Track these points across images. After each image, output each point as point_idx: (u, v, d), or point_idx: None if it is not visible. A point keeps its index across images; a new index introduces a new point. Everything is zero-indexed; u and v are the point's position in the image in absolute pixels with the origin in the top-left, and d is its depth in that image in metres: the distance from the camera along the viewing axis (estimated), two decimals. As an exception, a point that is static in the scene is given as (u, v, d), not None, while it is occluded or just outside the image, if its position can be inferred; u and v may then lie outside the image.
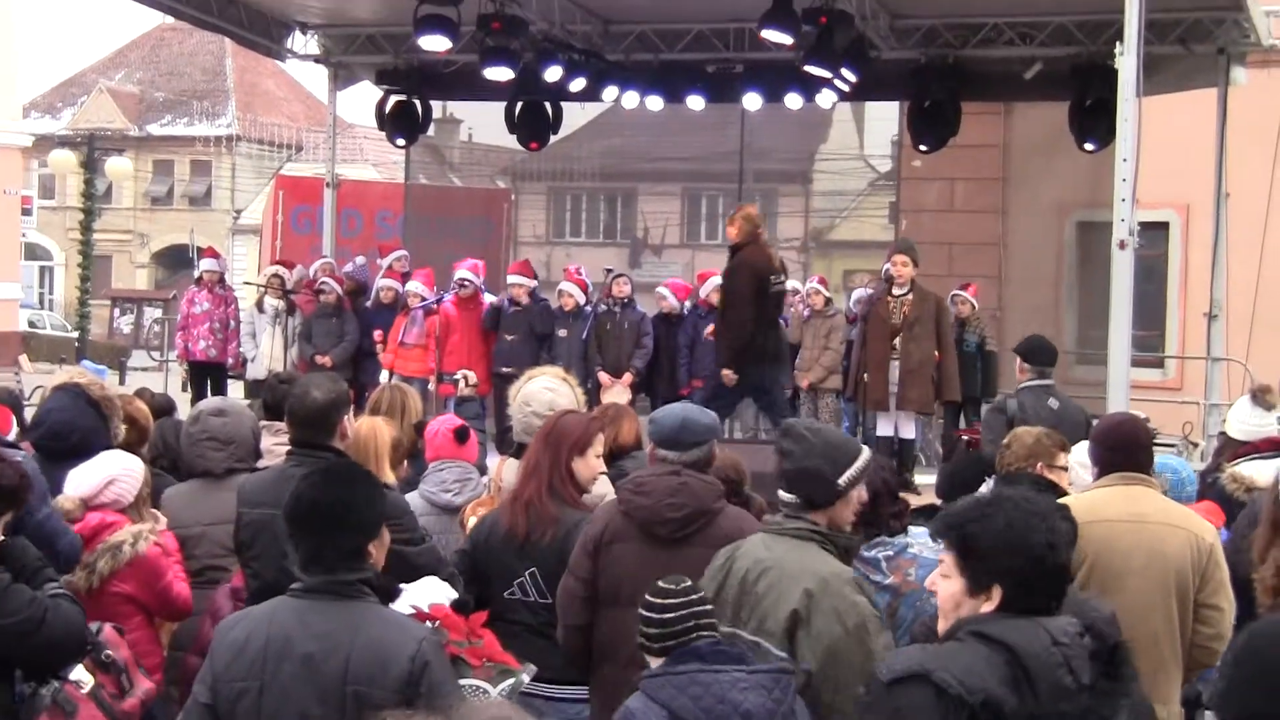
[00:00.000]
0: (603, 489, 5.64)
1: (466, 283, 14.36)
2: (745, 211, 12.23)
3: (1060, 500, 5.53)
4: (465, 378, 8.11)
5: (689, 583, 4.37)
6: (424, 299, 14.43)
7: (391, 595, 4.28)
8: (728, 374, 11.86)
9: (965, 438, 12.17)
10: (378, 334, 14.76)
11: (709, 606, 4.33)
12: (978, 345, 14.05)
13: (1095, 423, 6.62)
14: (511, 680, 4.39)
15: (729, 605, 4.52)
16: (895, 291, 12.12)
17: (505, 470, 6.08)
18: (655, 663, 4.24)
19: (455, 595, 4.67)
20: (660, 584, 4.37)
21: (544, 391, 6.07)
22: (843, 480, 4.57)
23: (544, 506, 5.29)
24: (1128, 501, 5.60)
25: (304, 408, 5.49)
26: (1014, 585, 3.34)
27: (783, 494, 4.64)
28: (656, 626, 4.27)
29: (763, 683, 4.08)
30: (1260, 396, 9.03)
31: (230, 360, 15.32)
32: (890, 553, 5.33)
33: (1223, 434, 8.99)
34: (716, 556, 4.70)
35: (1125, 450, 5.82)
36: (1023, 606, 3.31)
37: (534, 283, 14.48)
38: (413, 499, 6.34)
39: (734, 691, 4.03)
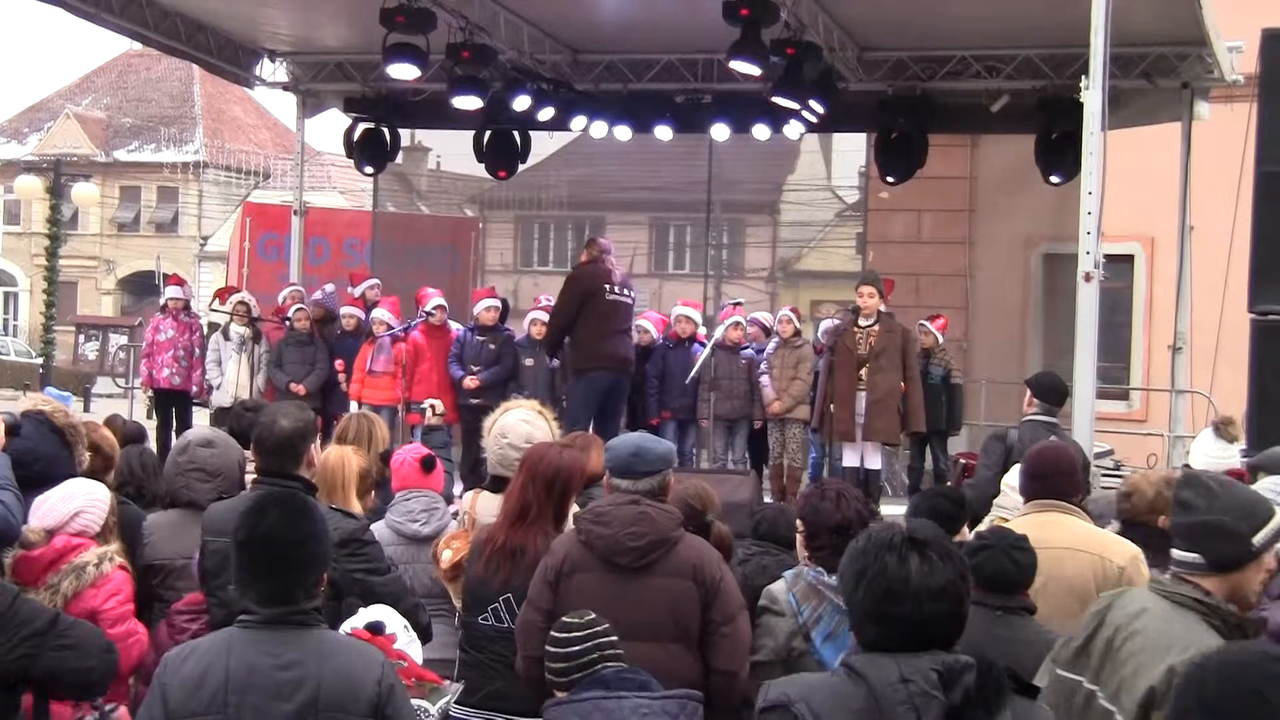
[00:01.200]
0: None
1: (440, 310, 14.38)
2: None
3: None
4: (432, 407, 8.09)
5: (592, 615, 4.44)
6: (390, 327, 14.41)
7: (343, 618, 4.30)
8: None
9: (964, 461, 12.21)
10: (338, 363, 14.73)
11: (613, 637, 4.39)
12: (943, 378, 14.08)
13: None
14: (445, 698, 4.45)
15: (1094, 658, 4.22)
16: (862, 323, 12.18)
17: (480, 503, 6.05)
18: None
19: (392, 627, 4.67)
20: (564, 619, 4.45)
21: (520, 424, 6.06)
22: (1258, 539, 4.05)
23: (531, 556, 5.26)
24: (1037, 528, 5.66)
25: (271, 436, 5.46)
26: (873, 624, 3.34)
27: (1179, 553, 4.13)
28: (561, 660, 4.35)
29: (667, 709, 4.14)
30: (1223, 429, 9.10)
31: (195, 388, 15.25)
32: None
33: (1187, 466, 9.04)
34: (1097, 600, 4.37)
35: (1045, 478, 5.99)
36: (884, 644, 3.32)
37: (499, 302, 14.55)
38: (379, 529, 6.32)
39: (635, 717, 4.11)
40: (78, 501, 5.86)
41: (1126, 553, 5.81)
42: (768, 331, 14.62)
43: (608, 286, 12.56)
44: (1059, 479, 5.98)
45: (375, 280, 15.99)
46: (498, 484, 6.00)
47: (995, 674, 3.17)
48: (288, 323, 14.97)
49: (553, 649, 4.37)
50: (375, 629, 4.57)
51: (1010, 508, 6.25)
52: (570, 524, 5.42)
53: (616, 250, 13.93)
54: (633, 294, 13.01)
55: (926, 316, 14.61)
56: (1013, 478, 6.43)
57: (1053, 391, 9.57)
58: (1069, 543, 5.75)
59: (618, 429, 12.40)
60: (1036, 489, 5.99)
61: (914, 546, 3.31)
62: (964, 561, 3.38)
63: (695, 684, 4.89)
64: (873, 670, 3.26)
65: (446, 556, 5.85)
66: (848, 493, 5.51)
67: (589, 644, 4.34)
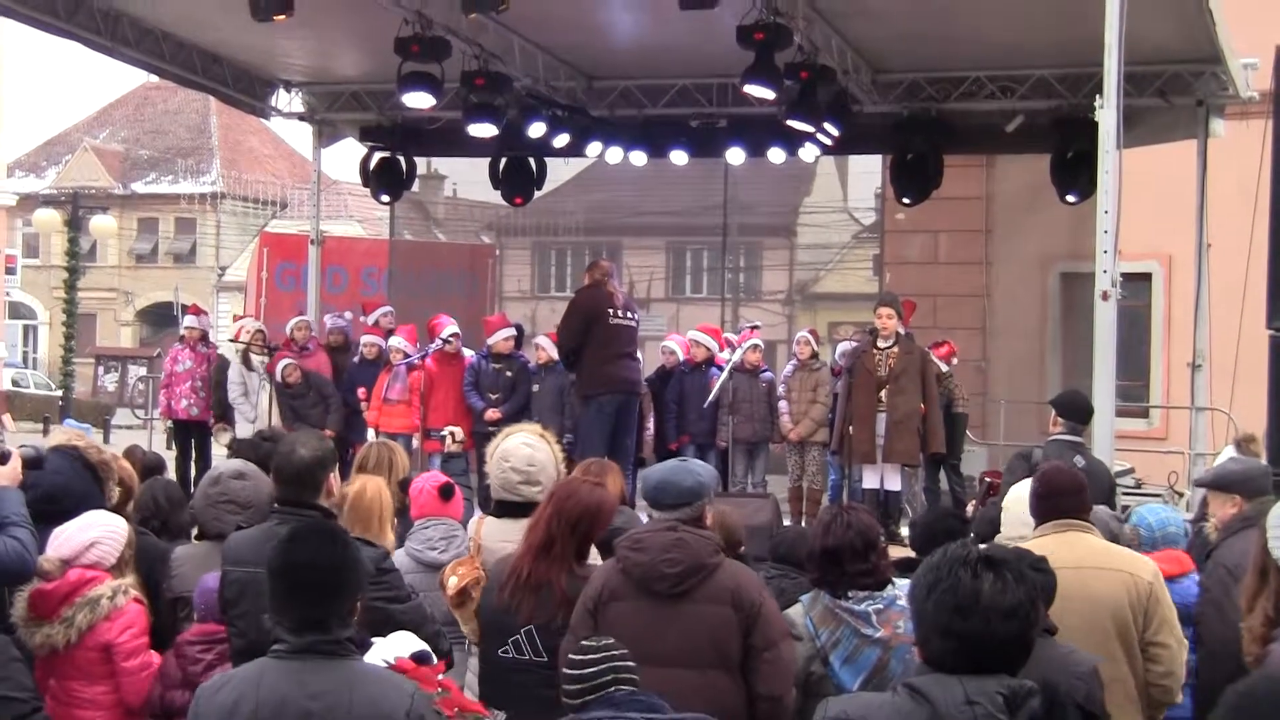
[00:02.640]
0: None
1: (456, 339, 14.44)
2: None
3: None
4: (452, 434, 8.12)
5: (610, 640, 4.45)
6: (406, 355, 14.45)
7: (363, 648, 4.29)
8: None
9: (989, 480, 12.16)
10: (361, 391, 14.76)
11: (630, 663, 4.40)
12: (945, 406, 14.02)
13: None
14: None
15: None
16: (880, 344, 12.17)
17: (485, 529, 6.04)
18: None
19: (421, 647, 4.67)
20: (583, 642, 4.47)
21: (522, 447, 6.05)
22: None
23: (557, 592, 5.29)
24: (1064, 548, 5.67)
25: (290, 465, 5.47)
26: (940, 637, 3.33)
27: None
28: (575, 682, 4.36)
29: None
30: (1244, 445, 9.09)
31: (211, 420, 15.23)
32: (880, 605, 5.32)
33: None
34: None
35: (1056, 497, 6.01)
36: (948, 660, 3.30)
37: (515, 331, 14.60)
38: (398, 556, 6.32)
39: None
40: (94, 532, 5.88)
41: (1149, 567, 5.85)
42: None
43: (611, 310, 12.55)
44: (1068, 498, 6.00)
45: (388, 308, 16.03)
46: (502, 509, 6.01)
47: (1061, 700, 3.15)
48: (305, 352, 14.99)
49: (568, 671, 4.40)
50: (421, 659, 4.57)
51: (1013, 536, 6.18)
52: (594, 558, 5.43)
53: (634, 275, 13.98)
54: (635, 316, 12.98)
55: (930, 344, 14.55)
56: (1015, 504, 6.37)
57: (1078, 410, 9.53)
58: (1096, 561, 5.76)
59: (629, 450, 12.47)
60: (1048, 509, 6.00)
61: (989, 565, 3.30)
62: (1036, 587, 3.35)
63: (738, 711, 4.90)
64: (937, 691, 3.23)
65: (452, 583, 5.84)
66: (854, 519, 5.48)
67: (604, 666, 4.36)
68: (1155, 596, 5.70)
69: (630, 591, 5.04)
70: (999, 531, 6.56)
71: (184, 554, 6.45)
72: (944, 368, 14.20)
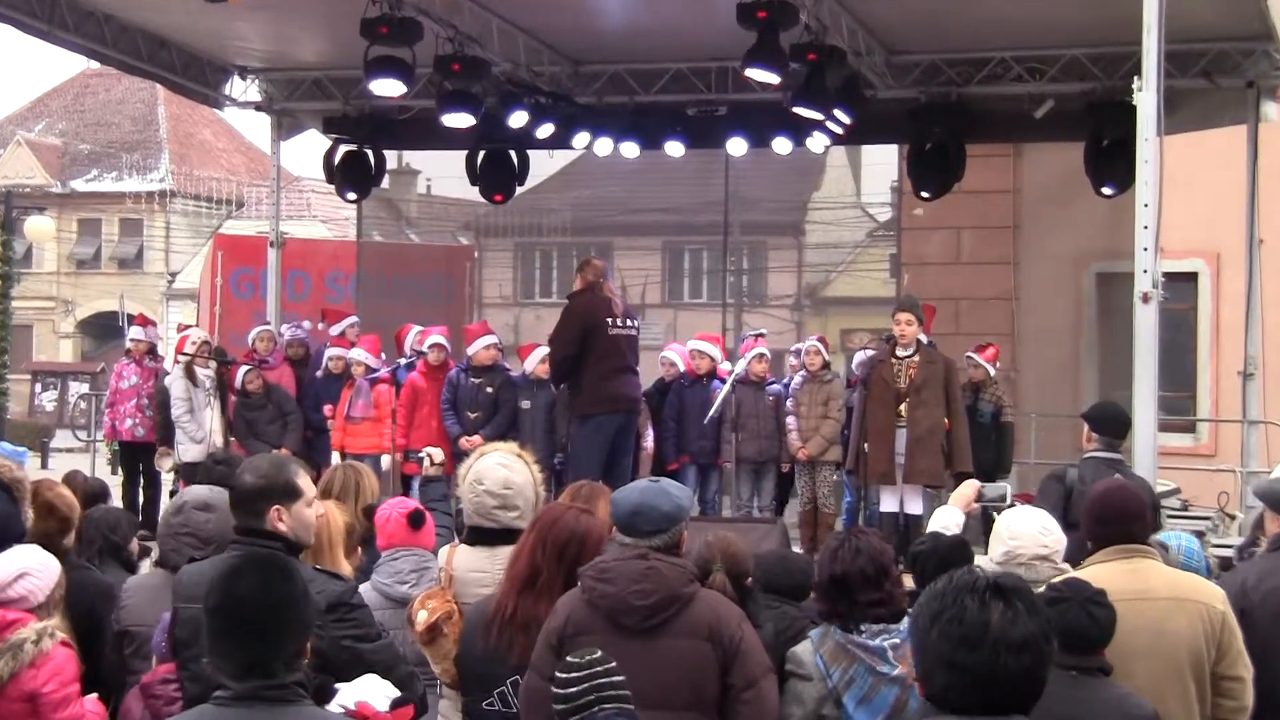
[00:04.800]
0: None
1: (439, 349, 14.39)
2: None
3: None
4: (430, 456, 8.06)
5: (597, 654, 4.51)
6: (370, 369, 14.43)
7: (327, 695, 4.27)
8: None
9: (1018, 502, 12.14)
10: (327, 409, 14.75)
11: (617, 678, 4.45)
12: (993, 414, 14.05)
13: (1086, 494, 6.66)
14: None
15: None
16: (899, 353, 12.14)
17: (457, 558, 6.03)
18: None
19: (395, 694, 4.65)
20: (568, 658, 4.55)
21: (497, 469, 6.03)
22: None
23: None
24: (1129, 577, 5.64)
25: (239, 490, 5.46)
26: (944, 671, 3.31)
27: None
28: (560, 702, 4.44)
29: None
30: (1303, 461, 9.06)
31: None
32: (896, 640, 5.31)
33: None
34: None
35: (1118, 521, 5.92)
36: (952, 697, 3.29)
37: (496, 338, 14.55)
38: (365, 591, 6.30)
39: None
40: (26, 561, 5.85)
41: (1219, 595, 5.82)
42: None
43: (610, 320, 12.47)
44: (1132, 522, 5.92)
45: (354, 319, 15.98)
46: (476, 536, 5.99)
47: None
48: (266, 364, 14.94)
49: (555, 689, 4.47)
50: (402, 703, 4.58)
51: (1010, 560, 6.13)
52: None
53: (627, 279, 13.95)
54: (636, 323, 12.93)
55: (974, 347, 14.56)
56: (1018, 524, 6.26)
57: (1114, 423, 9.48)
58: (1171, 593, 5.73)
59: (626, 471, 12.37)
60: (1110, 534, 5.90)
61: (998, 593, 3.28)
62: (1049, 620, 3.33)
63: None
64: None
65: (422, 618, 5.80)
66: (863, 543, 5.47)
67: (586, 685, 4.42)
68: (1228, 627, 5.68)
69: (597, 625, 5.02)
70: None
71: (136, 584, 6.44)
72: (991, 370, 14.24)
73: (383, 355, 14.84)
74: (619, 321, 12.52)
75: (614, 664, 4.50)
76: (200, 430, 14.49)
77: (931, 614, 3.30)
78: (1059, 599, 5.16)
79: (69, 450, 35.13)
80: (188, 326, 15.79)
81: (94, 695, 5.94)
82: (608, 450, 12.45)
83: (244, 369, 14.75)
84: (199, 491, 6.62)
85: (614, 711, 4.38)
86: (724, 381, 13.85)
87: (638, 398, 12.94)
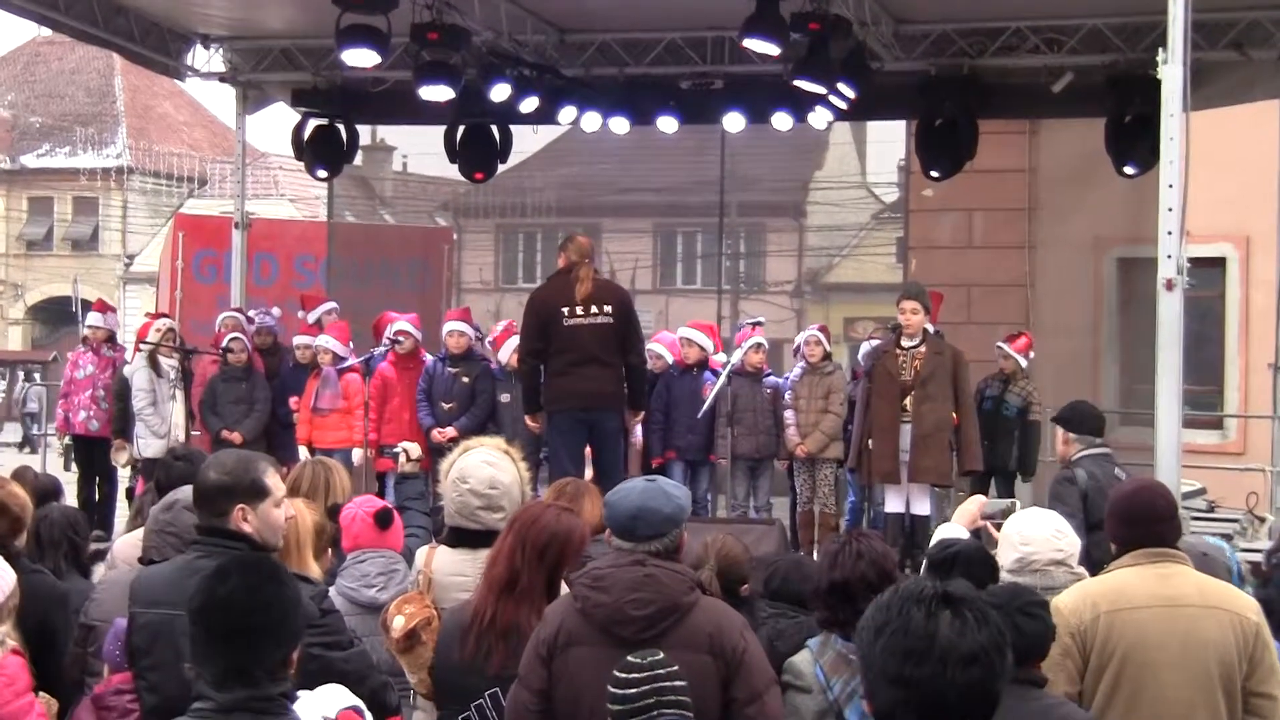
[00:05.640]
0: None
1: (404, 336, 14.36)
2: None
3: (1075, 586, 5.57)
4: (406, 451, 8.06)
5: (659, 656, 4.55)
6: (339, 357, 14.40)
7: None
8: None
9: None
10: (293, 400, 14.73)
11: (679, 682, 4.48)
12: (1019, 410, 14.06)
13: (1110, 494, 6.66)
14: None
15: None
16: (905, 343, 12.15)
17: (437, 560, 6.02)
18: None
19: (354, 701, 4.65)
20: (629, 658, 4.56)
21: (483, 466, 6.02)
22: None
23: (527, 635, 5.24)
24: (1158, 583, 5.65)
25: (201, 488, 5.45)
26: (888, 686, 3.31)
27: None
28: (618, 703, 4.45)
29: None
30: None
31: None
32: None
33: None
34: None
35: (1145, 522, 5.90)
36: (898, 716, 3.28)
37: (475, 330, 14.50)
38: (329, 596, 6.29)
39: None
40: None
41: (1252, 605, 5.82)
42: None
43: (566, 310, 12.16)
44: (1160, 523, 5.90)
45: (332, 305, 15.96)
46: (458, 538, 5.99)
47: None
48: (224, 354, 14.89)
49: (612, 689, 4.51)
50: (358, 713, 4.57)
51: (1020, 568, 6.13)
52: (564, 591, 5.41)
53: (616, 263, 13.86)
54: (608, 309, 12.31)
55: (1005, 336, 14.56)
56: (1030, 528, 6.27)
57: (1088, 419, 9.87)
58: (1202, 599, 5.71)
59: (615, 468, 12.18)
60: (1137, 536, 5.87)
61: (946, 603, 3.26)
62: (1004, 631, 3.30)
63: None
64: None
65: (399, 623, 5.79)
66: (865, 547, 5.49)
67: (648, 686, 4.45)
68: (1262, 640, 5.66)
69: (591, 636, 5.01)
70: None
71: (110, 579, 6.43)
72: (1023, 362, 14.26)
73: (351, 344, 14.78)
74: (579, 310, 12.17)
75: (676, 667, 4.53)
76: (163, 424, 14.51)
77: (876, 626, 3.29)
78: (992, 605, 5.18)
79: (19, 445, 35.19)
80: (158, 315, 15.71)
81: (43, 696, 5.94)
82: (578, 447, 12.33)
83: (232, 335, 14.80)
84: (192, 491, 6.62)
85: (675, 717, 4.41)
86: (716, 374, 13.86)
87: (599, 392, 12.33)
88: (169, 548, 6.18)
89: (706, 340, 14.66)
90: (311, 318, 15.64)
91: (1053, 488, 9.87)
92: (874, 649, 3.27)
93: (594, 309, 12.17)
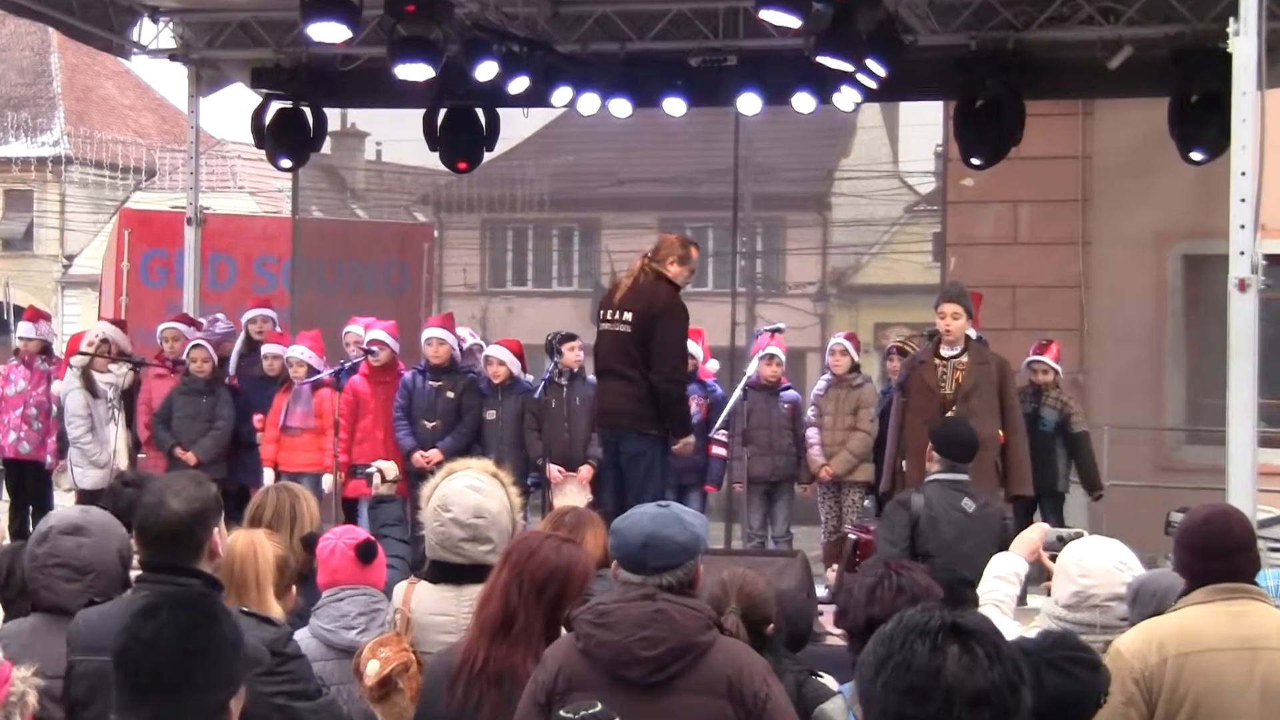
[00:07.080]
0: None
1: (380, 346, 14.33)
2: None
3: (1140, 625, 5.55)
4: (381, 472, 8.05)
5: (597, 707, 4.58)
6: (313, 370, 14.37)
7: None
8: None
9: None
10: (258, 418, 14.69)
11: None
12: (1058, 424, 14.07)
13: (1179, 521, 6.63)
14: None
15: None
16: (944, 352, 12.14)
17: (416, 597, 6.01)
18: None
19: None
20: (560, 712, 4.59)
21: (468, 492, 6.02)
22: None
23: (524, 683, 5.24)
24: (1233, 622, 5.63)
25: (158, 521, 5.43)
26: None
27: None
28: None
29: None
30: None
31: (49, 459, 15.12)
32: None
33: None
34: None
35: (1219, 554, 5.84)
36: None
37: (456, 338, 14.48)
38: (303, 638, 6.28)
39: None
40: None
41: None
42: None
43: (602, 313, 12.43)
44: (1236, 555, 5.86)
45: (269, 312, 15.84)
46: (440, 572, 5.98)
47: None
48: (180, 366, 14.84)
49: None
50: None
51: (1076, 603, 6.11)
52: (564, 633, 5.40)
53: (616, 262, 13.85)
54: (627, 316, 12.36)
55: (1034, 347, 14.55)
56: (1090, 559, 6.26)
57: (958, 445, 10.40)
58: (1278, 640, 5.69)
59: (647, 493, 12.08)
60: (1211, 569, 5.82)
61: (955, 635, 3.25)
62: (1021, 669, 3.29)
63: None
64: None
65: (373, 669, 5.79)
66: (906, 580, 5.47)
67: None
68: None
69: (595, 679, 5.01)
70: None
71: (10, 632, 6.41)
72: (1058, 370, 14.26)
73: (325, 357, 14.75)
74: (608, 314, 12.32)
75: (616, 717, 4.54)
76: (103, 452, 14.44)
77: (877, 660, 3.30)
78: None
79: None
80: (118, 322, 15.65)
81: None
82: (615, 474, 12.34)
83: (192, 344, 14.75)
84: (65, 513, 6.54)
85: None
86: (704, 384, 13.89)
87: (614, 409, 12.43)
88: (59, 581, 6.13)
89: (695, 347, 14.58)
90: (245, 318, 15.57)
91: (887, 508, 10.09)
92: (874, 685, 3.29)
93: (616, 314, 12.27)
